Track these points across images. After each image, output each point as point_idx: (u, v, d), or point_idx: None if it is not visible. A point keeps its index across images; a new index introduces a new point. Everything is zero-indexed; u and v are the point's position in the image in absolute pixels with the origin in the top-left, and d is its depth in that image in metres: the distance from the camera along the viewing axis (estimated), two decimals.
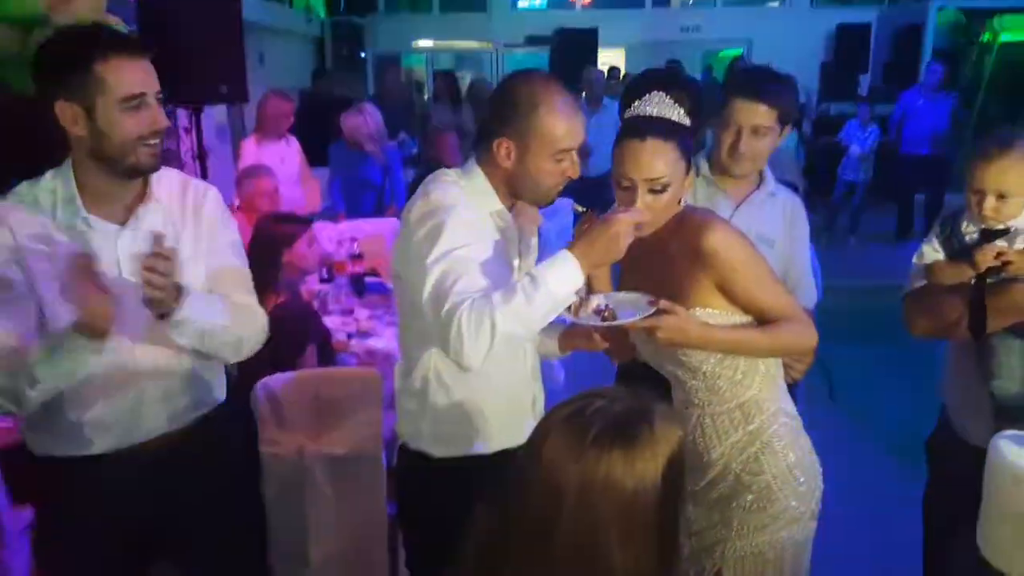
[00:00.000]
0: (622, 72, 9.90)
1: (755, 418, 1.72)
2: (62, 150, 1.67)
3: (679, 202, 1.71)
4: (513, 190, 1.74)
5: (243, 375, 2.52)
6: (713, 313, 1.67)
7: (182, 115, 5.14)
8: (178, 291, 1.57)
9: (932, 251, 1.91)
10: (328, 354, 2.81)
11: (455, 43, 12.58)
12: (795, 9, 12.16)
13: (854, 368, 4.38)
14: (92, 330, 1.50)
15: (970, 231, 1.80)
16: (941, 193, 7.61)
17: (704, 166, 2.24)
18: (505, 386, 1.78)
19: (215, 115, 7.03)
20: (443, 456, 1.78)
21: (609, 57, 10.42)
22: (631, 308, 1.61)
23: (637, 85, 1.70)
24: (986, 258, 1.73)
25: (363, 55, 11.31)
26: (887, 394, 4.52)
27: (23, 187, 1.68)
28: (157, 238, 1.53)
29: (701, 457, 1.76)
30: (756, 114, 2.08)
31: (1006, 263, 1.71)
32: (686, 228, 1.69)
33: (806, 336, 1.71)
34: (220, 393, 1.92)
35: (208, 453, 1.82)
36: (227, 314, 1.71)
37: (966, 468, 1.77)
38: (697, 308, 1.66)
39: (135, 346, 1.69)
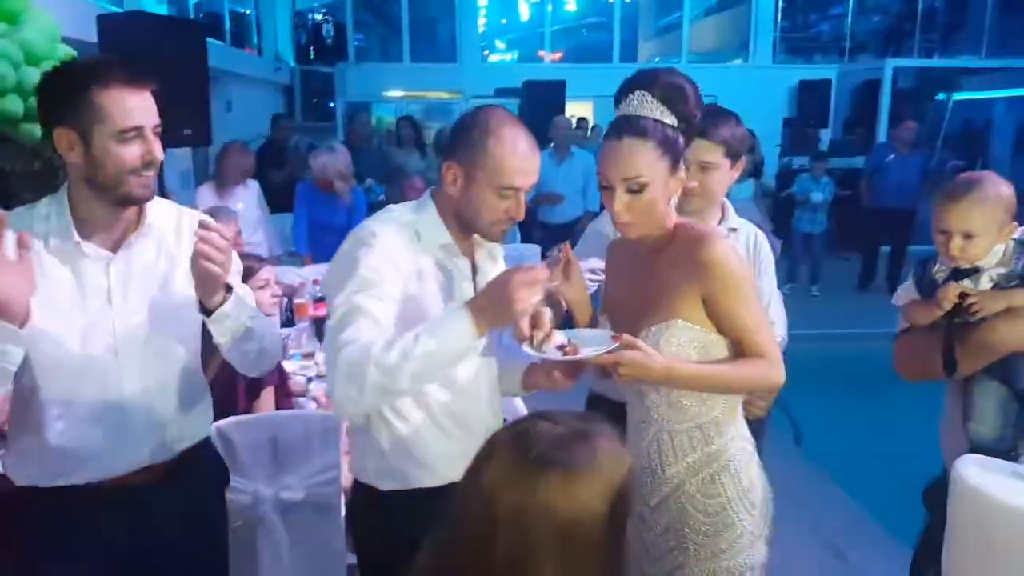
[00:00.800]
0: (591, 123, 10.04)
1: (715, 440, 1.70)
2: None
3: (668, 202, 1.67)
4: (461, 222, 1.71)
5: None
6: (690, 327, 1.63)
7: None
8: (226, 286, 1.62)
9: (907, 293, 1.91)
10: (286, 397, 2.72)
11: (425, 93, 12.71)
12: (758, 66, 12.51)
13: (820, 415, 4.39)
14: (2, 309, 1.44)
15: (940, 272, 1.80)
16: (905, 246, 7.77)
17: None
18: (453, 421, 1.72)
19: (179, 162, 6.97)
20: (389, 490, 1.74)
21: (578, 109, 10.57)
22: (594, 343, 1.59)
23: (624, 87, 1.66)
24: (948, 297, 1.73)
25: (332, 104, 11.36)
26: (852, 440, 4.52)
27: (20, 211, 1.67)
28: (206, 224, 1.55)
29: (655, 474, 1.73)
30: (700, 149, 2.09)
31: (970, 304, 1.70)
32: (685, 238, 1.67)
33: (772, 375, 1.68)
34: (206, 426, 1.88)
35: (190, 490, 1.78)
36: (260, 321, 1.74)
37: None
38: (679, 320, 1.63)
39: (122, 371, 1.66)
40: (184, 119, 4.40)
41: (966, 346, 1.73)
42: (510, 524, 0.93)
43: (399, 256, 1.62)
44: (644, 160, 1.60)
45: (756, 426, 1.91)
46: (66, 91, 1.56)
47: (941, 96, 12.16)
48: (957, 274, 1.74)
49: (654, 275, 1.70)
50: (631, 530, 1.03)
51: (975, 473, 0.92)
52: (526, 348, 1.61)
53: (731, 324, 1.64)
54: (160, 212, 1.74)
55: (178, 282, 1.70)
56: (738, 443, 1.73)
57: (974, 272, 1.72)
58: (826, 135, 11.03)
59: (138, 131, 1.57)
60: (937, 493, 2.02)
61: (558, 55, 13.33)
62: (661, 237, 1.70)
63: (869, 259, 8.23)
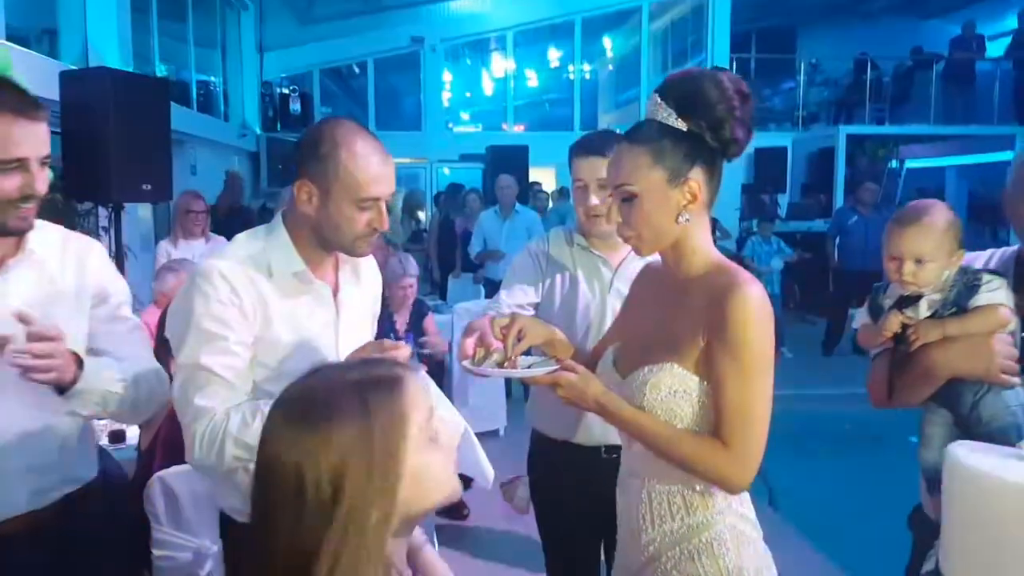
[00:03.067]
0: (551, 189, 10.17)
1: (698, 511, 1.47)
2: None
3: (676, 220, 1.46)
4: (321, 240, 1.62)
5: (141, 470, 2.31)
6: (688, 377, 1.44)
7: (102, 214, 5.00)
8: (75, 361, 1.47)
9: (862, 317, 1.91)
10: None
11: None
12: None
13: (794, 477, 4.36)
14: None
15: (887, 299, 1.80)
16: None
17: (578, 237, 2.23)
18: None
19: (140, 222, 6.90)
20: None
21: (540, 175, 10.73)
22: (536, 365, 1.55)
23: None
24: (887, 327, 1.73)
25: None
26: (828, 500, 4.49)
27: None
28: (23, 318, 1.39)
29: (638, 537, 1.53)
30: (598, 168, 2.02)
31: (910, 332, 1.70)
32: (718, 280, 1.44)
33: (727, 471, 1.41)
34: (91, 469, 1.73)
35: (77, 540, 1.62)
36: (126, 374, 1.59)
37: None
38: (677, 366, 1.44)
39: None
40: (145, 175, 4.36)
41: (908, 373, 1.74)
42: (257, 480, 0.94)
43: (242, 296, 1.54)
44: (632, 167, 1.45)
45: None
46: None
47: (894, 164, 12.62)
48: (903, 301, 1.75)
49: (672, 312, 1.50)
50: None
51: (968, 455, 0.91)
52: (465, 364, 1.58)
53: (715, 391, 1.42)
54: (43, 238, 1.62)
55: (59, 315, 1.56)
56: (729, 519, 1.47)
57: (918, 299, 1.73)
58: (784, 199, 11.30)
59: (20, 163, 1.47)
60: (921, 517, 2.01)
61: (521, 127, 13.62)
62: (691, 271, 1.50)
63: (836, 322, 8.12)
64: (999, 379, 1.62)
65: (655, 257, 1.61)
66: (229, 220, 6.54)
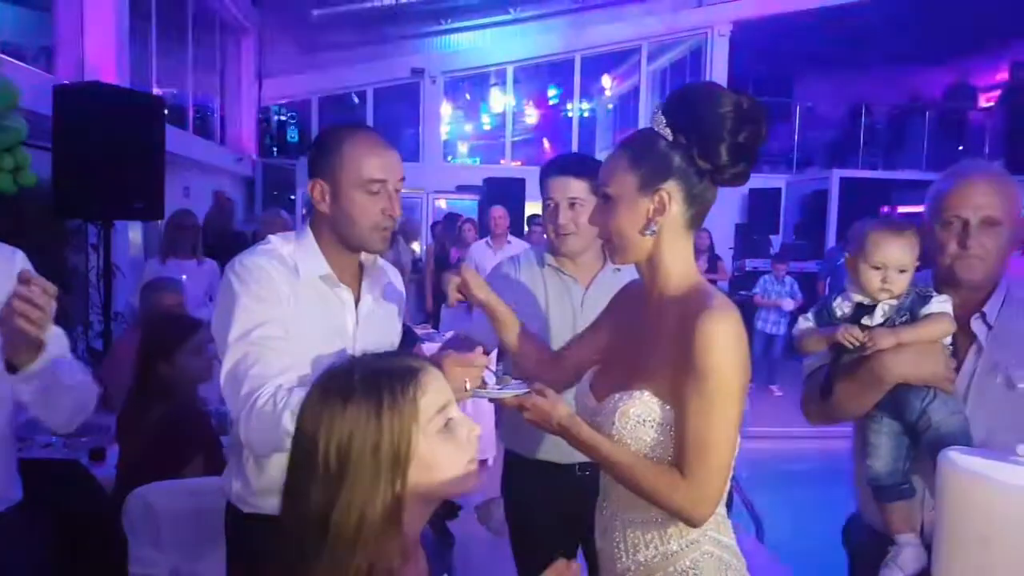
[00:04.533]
0: None
1: (672, 539, 1.42)
2: None
3: (641, 230, 1.42)
4: (341, 238, 1.68)
5: (121, 486, 2.25)
6: (656, 404, 1.40)
7: (92, 232, 4.95)
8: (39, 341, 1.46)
9: (805, 322, 1.92)
10: (219, 464, 2.53)
11: None
12: None
13: (781, 510, 4.31)
14: None
15: (845, 305, 1.82)
16: None
17: (548, 257, 2.27)
18: None
19: (131, 244, 6.85)
20: (250, 512, 1.74)
21: (537, 208, 10.74)
22: (509, 387, 1.52)
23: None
24: (854, 334, 1.74)
25: (293, 196, 11.40)
26: (816, 533, 4.44)
27: None
28: (24, 278, 1.39)
29: (614, 564, 1.50)
30: (568, 187, 2.12)
31: (864, 338, 1.73)
32: (694, 303, 1.39)
33: (683, 502, 1.35)
34: (18, 490, 1.71)
35: (9, 564, 1.60)
36: (72, 377, 1.60)
37: (877, 552, 1.74)
38: (647, 392, 1.40)
39: None
40: (136, 192, 4.31)
41: (854, 382, 1.75)
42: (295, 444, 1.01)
43: (278, 286, 1.61)
44: (611, 168, 1.46)
45: None
46: None
47: (886, 209, 12.71)
48: (860, 308, 1.78)
49: (646, 335, 1.46)
50: None
51: (961, 459, 0.89)
52: None
53: (677, 419, 1.37)
54: None
55: None
56: (705, 548, 1.42)
57: (873, 308, 1.77)
58: (776, 240, 11.36)
59: None
60: (854, 530, 2.04)
61: (518, 163, 13.68)
62: (667, 292, 1.46)
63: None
64: (944, 384, 1.69)
65: (632, 274, 1.58)
66: (222, 243, 6.48)
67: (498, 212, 6.68)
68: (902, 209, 13.15)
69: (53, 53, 6.27)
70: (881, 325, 1.75)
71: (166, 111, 5.24)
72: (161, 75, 8.43)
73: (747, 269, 9.99)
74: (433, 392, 1.02)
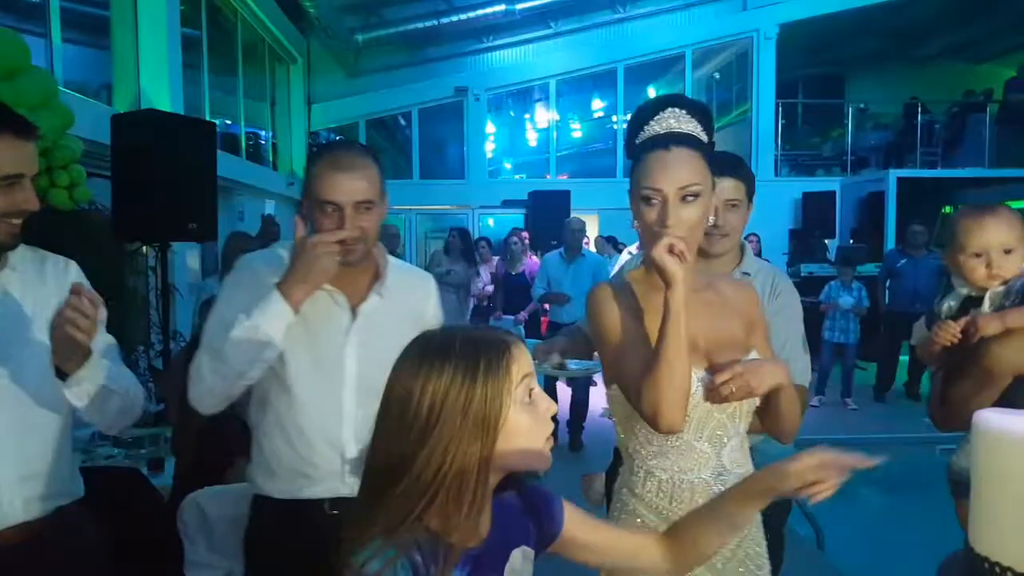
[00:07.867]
0: (595, 234, 10.13)
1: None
2: None
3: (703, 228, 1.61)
4: None
5: (176, 493, 2.27)
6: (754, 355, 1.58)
7: (151, 256, 5.08)
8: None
9: (919, 330, 1.86)
10: None
11: (432, 206, 12.94)
12: (762, 179, 12.69)
13: (841, 520, 4.17)
14: None
15: (950, 303, 1.75)
16: None
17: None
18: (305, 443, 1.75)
19: (190, 270, 7.01)
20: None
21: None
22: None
23: (648, 108, 1.59)
24: (948, 330, 1.66)
25: None
26: (877, 544, 4.31)
27: None
28: (75, 289, 1.47)
29: None
30: (728, 188, 2.03)
31: (968, 327, 1.63)
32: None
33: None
34: (79, 486, 1.75)
35: (72, 552, 1.64)
36: (120, 376, 1.66)
37: None
38: (753, 351, 1.58)
39: None
40: (190, 214, 4.42)
41: (966, 376, 1.63)
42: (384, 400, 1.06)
43: (261, 276, 1.72)
44: (698, 167, 1.52)
45: (773, 539, 1.68)
46: None
47: (947, 209, 12.31)
48: (968, 302, 1.69)
49: (720, 305, 1.63)
50: None
51: (996, 419, 0.85)
52: None
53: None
54: (20, 254, 1.68)
55: (37, 325, 1.59)
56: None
57: (980, 300, 1.66)
58: (832, 244, 11.06)
59: (16, 178, 1.54)
60: (955, 569, 1.85)
61: (563, 177, 13.66)
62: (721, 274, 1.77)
63: (887, 365, 7.88)
64: None
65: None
66: None
67: (577, 224, 6.51)
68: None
69: (111, 86, 6.50)
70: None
71: (220, 139, 5.36)
72: (214, 105, 8.66)
73: (802, 275, 9.67)
74: (524, 364, 1.08)
